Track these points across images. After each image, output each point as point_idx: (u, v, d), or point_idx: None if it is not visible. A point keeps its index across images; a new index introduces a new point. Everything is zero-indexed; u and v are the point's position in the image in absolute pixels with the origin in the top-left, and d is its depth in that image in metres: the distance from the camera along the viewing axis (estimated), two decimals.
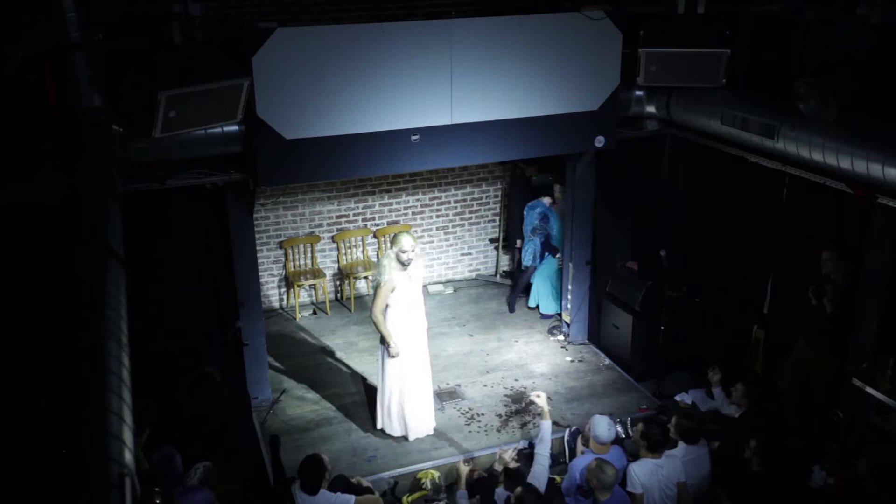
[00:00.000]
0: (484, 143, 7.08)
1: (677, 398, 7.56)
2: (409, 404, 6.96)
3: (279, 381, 7.99)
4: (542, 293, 9.30)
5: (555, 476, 6.30)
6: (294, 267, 9.34)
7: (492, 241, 10.17)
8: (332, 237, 9.45)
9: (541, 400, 6.34)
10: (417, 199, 9.66)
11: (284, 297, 9.53)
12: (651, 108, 7.62)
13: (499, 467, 6.19)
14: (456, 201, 9.84)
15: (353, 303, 9.50)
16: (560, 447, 6.93)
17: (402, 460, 6.84)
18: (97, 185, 5.04)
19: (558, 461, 6.76)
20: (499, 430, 7.22)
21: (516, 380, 8.03)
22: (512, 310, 9.50)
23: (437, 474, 6.63)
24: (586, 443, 6.20)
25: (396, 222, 9.60)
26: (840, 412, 6.44)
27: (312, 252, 9.38)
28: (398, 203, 9.58)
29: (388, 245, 7.03)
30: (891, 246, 6.03)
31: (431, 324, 8.44)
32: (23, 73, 5.79)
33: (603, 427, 5.95)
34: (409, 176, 9.43)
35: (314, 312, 9.47)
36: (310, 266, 9.41)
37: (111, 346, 3.41)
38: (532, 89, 7.04)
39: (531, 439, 6.83)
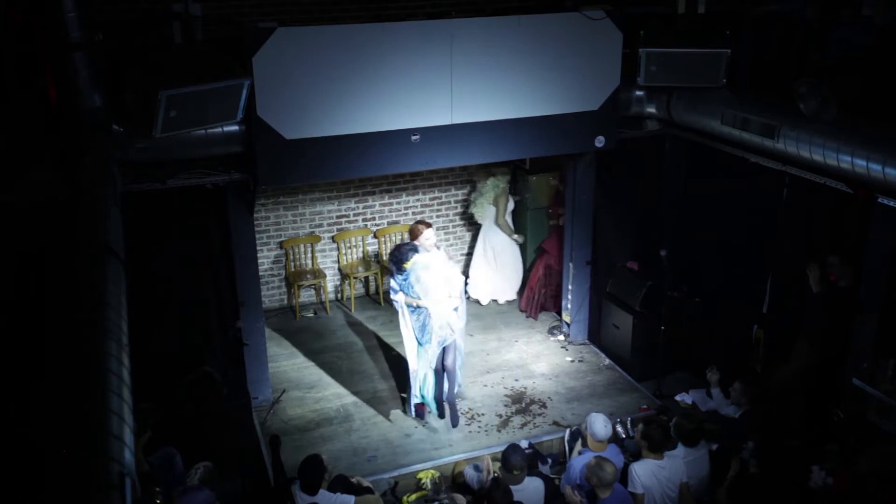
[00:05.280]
0: (484, 143, 7.08)
1: (677, 398, 7.57)
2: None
3: (279, 381, 8.00)
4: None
5: (554, 477, 6.31)
6: (294, 267, 9.34)
7: None
8: (333, 237, 9.45)
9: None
10: (417, 199, 9.66)
11: (285, 297, 9.54)
12: (651, 108, 7.62)
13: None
14: (456, 201, 9.84)
15: (353, 303, 9.50)
16: (560, 447, 6.93)
17: (402, 460, 6.85)
18: (97, 185, 5.04)
19: (558, 461, 6.77)
20: (499, 430, 7.23)
21: (517, 380, 8.03)
22: (442, 415, 7.38)
23: (437, 474, 6.63)
24: (584, 441, 6.21)
25: (396, 222, 9.60)
26: (840, 412, 6.44)
27: (313, 252, 9.38)
28: (398, 203, 9.58)
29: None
30: (891, 246, 6.03)
31: None
32: (23, 73, 5.80)
33: (600, 424, 5.97)
34: (409, 176, 9.43)
35: (314, 312, 9.47)
36: (310, 266, 9.41)
37: (111, 346, 3.41)
38: (532, 89, 7.04)
39: (530, 439, 6.86)
